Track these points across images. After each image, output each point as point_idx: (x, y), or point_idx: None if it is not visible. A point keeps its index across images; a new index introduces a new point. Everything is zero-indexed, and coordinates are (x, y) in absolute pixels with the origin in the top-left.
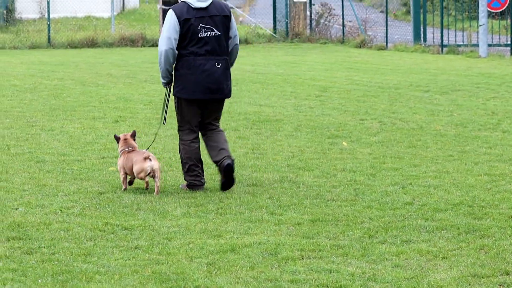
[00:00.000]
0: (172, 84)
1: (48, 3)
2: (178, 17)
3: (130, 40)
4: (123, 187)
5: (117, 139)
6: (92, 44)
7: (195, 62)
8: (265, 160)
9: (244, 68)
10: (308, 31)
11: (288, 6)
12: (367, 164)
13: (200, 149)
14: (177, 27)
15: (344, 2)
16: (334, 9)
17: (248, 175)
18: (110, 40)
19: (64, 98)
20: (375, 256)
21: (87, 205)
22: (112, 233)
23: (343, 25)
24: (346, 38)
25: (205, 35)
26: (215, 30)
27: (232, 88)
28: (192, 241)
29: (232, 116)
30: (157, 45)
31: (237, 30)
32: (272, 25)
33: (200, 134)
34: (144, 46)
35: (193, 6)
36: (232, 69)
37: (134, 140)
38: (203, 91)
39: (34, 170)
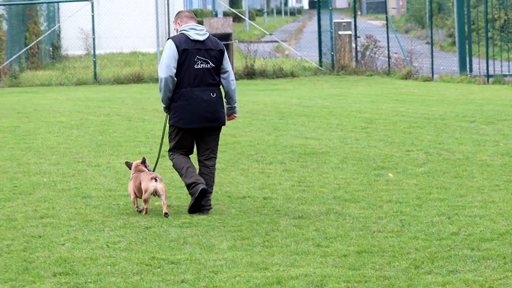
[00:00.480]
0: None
1: (94, 39)
2: (177, 47)
3: None
4: (135, 208)
5: (129, 165)
6: (138, 79)
7: (192, 93)
8: (311, 192)
9: (290, 101)
10: (354, 63)
11: (333, 39)
12: (413, 195)
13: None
14: (176, 56)
15: (389, 34)
16: (379, 41)
17: (295, 207)
18: (156, 75)
19: (110, 133)
20: (421, 286)
21: (133, 240)
22: (158, 267)
23: (389, 57)
24: (392, 69)
25: (200, 67)
26: (210, 62)
27: (278, 121)
28: (238, 274)
29: (278, 149)
30: None
31: (229, 64)
32: (317, 58)
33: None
34: None
35: (191, 38)
36: (278, 102)
37: (145, 165)
38: (200, 120)
39: (81, 206)
